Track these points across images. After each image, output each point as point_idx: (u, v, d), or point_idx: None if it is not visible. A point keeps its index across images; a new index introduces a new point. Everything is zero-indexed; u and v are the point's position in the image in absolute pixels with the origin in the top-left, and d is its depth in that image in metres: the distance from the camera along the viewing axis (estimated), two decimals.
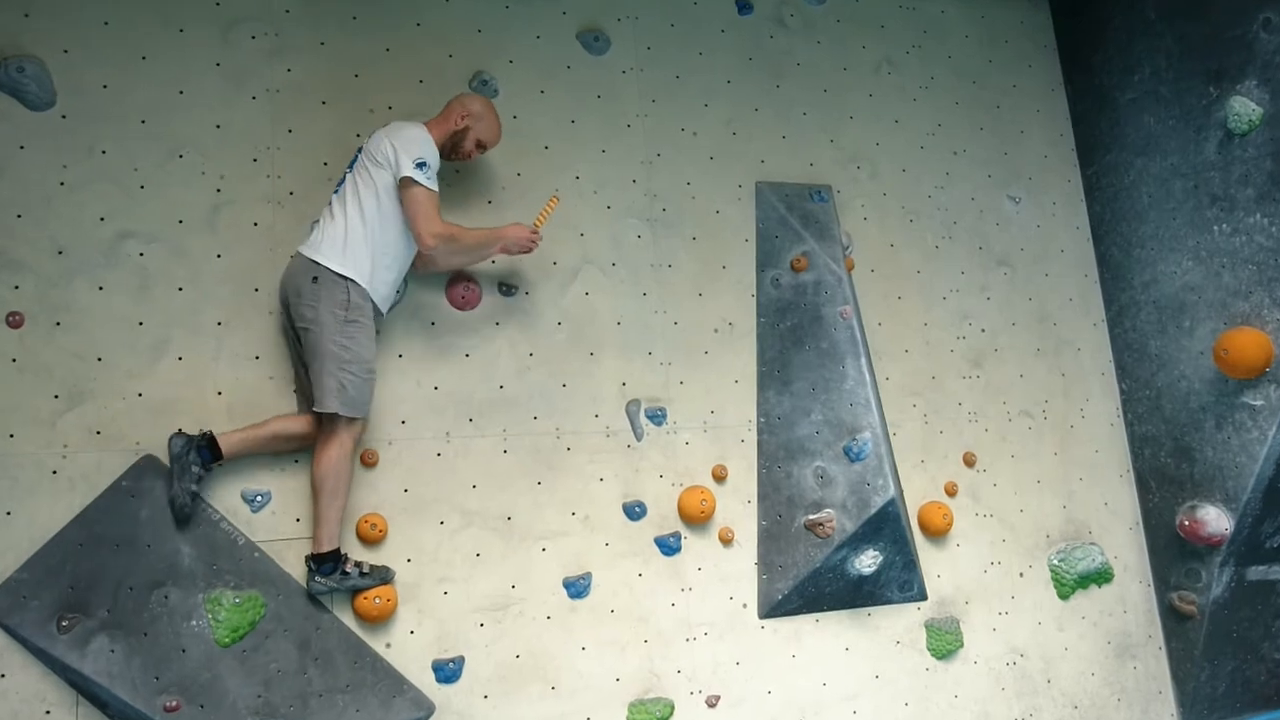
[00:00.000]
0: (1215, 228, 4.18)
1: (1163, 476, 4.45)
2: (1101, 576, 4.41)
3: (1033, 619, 4.28)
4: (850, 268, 4.16)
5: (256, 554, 3.21)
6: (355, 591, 3.27)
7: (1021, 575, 4.30)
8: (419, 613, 3.41)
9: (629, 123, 4.04)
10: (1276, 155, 3.94)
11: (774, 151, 4.26)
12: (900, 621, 4.04)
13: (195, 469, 3.10)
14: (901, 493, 4.00)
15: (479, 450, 3.59)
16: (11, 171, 3.21)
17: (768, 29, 4.38)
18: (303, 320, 3.17)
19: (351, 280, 3.16)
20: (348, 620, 3.30)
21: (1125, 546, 4.51)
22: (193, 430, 3.17)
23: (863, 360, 3.92)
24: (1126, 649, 4.41)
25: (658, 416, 3.83)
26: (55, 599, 2.95)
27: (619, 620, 3.65)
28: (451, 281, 3.65)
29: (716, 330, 4.01)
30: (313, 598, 3.23)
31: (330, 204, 3.31)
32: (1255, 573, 4.27)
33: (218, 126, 3.48)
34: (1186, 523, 4.24)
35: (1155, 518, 4.50)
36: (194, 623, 3.03)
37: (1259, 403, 4.01)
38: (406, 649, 3.37)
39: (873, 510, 3.74)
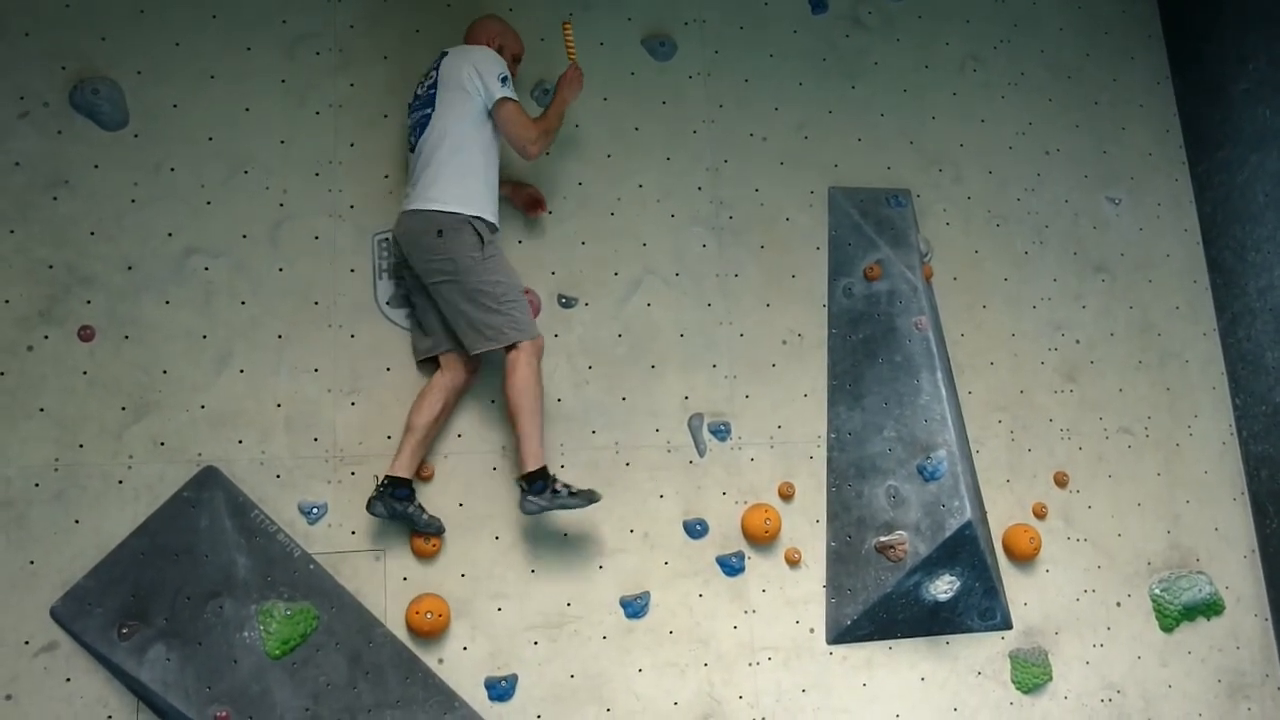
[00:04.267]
0: None
1: None
2: (1211, 608, 4.06)
3: (1131, 653, 3.96)
4: (929, 276, 3.95)
5: (311, 566, 3.23)
6: (564, 510, 3.27)
7: (1119, 605, 4.00)
8: (472, 629, 3.37)
9: (695, 129, 3.93)
10: None
11: (848, 155, 4.09)
12: (981, 651, 3.79)
13: (412, 507, 3.20)
14: (983, 514, 3.78)
15: None
16: (85, 189, 3.32)
17: (843, 28, 4.21)
18: (439, 275, 3.16)
19: (475, 216, 3.17)
20: (400, 635, 3.29)
21: (1238, 576, 4.15)
22: (255, 443, 3.21)
23: (939, 374, 3.71)
24: (1239, 689, 4.05)
25: (721, 431, 3.71)
26: (117, 606, 3.03)
27: (678, 642, 3.54)
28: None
29: (785, 342, 3.86)
30: (362, 612, 3.23)
31: (419, 153, 3.24)
32: None
33: (281, 142, 3.53)
34: None
35: (1274, 545, 4.12)
36: (246, 634, 3.06)
37: None
38: (459, 665, 3.33)
39: (948, 533, 3.53)
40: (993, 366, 4.06)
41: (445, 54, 3.36)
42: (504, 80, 3.19)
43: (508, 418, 3.33)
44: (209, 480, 3.20)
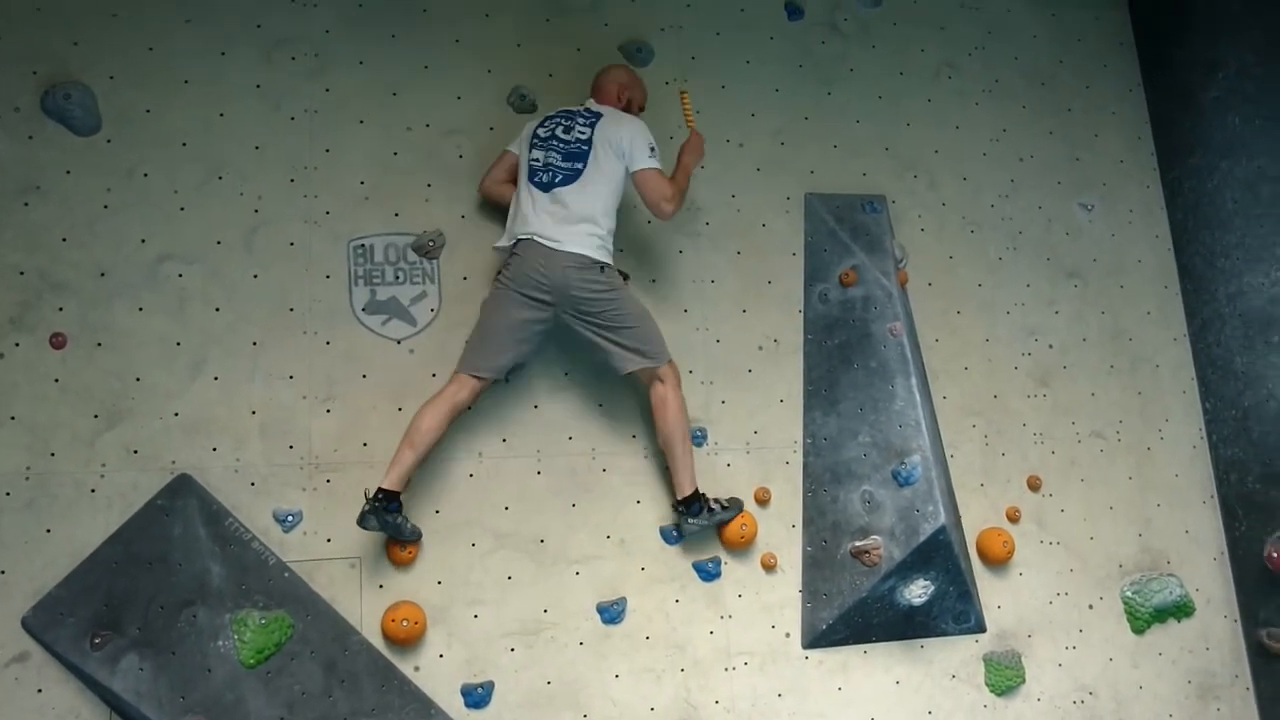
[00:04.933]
0: None
1: (1250, 504, 4.12)
2: (1181, 610, 4.11)
3: (1103, 655, 4.01)
4: (904, 282, 3.98)
5: (286, 574, 3.22)
6: (721, 525, 3.59)
7: (1091, 607, 4.04)
8: (449, 635, 3.37)
9: (671, 134, 3.92)
10: None
11: (824, 162, 4.11)
12: (956, 654, 3.83)
13: (400, 519, 3.23)
14: (957, 519, 3.80)
15: (512, 471, 3.53)
16: (57, 195, 3.29)
17: (819, 34, 4.23)
18: (604, 303, 3.35)
19: (611, 263, 3.43)
20: (376, 642, 3.28)
21: (1208, 578, 4.20)
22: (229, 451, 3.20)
23: (913, 379, 3.74)
24: (1209, 689, 4.10)
25: (698, 437, 3.72)
26: (90, 616, 3.00)
27: (654, 648, 3.55)
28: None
29: (761, 348, 3.88)
30: (338, 620, 3.22)
31: (560, 198, 3.33)
32: None
33: (256, 147, 3.51)
34: (1275, 554, 3.93)
35: (1243, 548, 4.17)
36: (220, 643, 3.05)
37: None
38: (435, 672, 3.33)
39: (922, 538, 3.55)
40: (967, 371, 4.09)
41: (599, 115, 3.46)
42: (652, 150, 3.41)
43: (661, 447, 3.54)
44: (182, 488, 3.19)
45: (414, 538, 3.33)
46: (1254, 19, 4.09)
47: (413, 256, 3.59)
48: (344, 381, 3.44)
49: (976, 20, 4.46)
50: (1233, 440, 4.21)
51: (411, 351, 3.52)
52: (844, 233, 3.96)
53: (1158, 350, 4.38)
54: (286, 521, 3.29)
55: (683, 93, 3.65)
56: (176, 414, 3.27)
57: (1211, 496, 4.28)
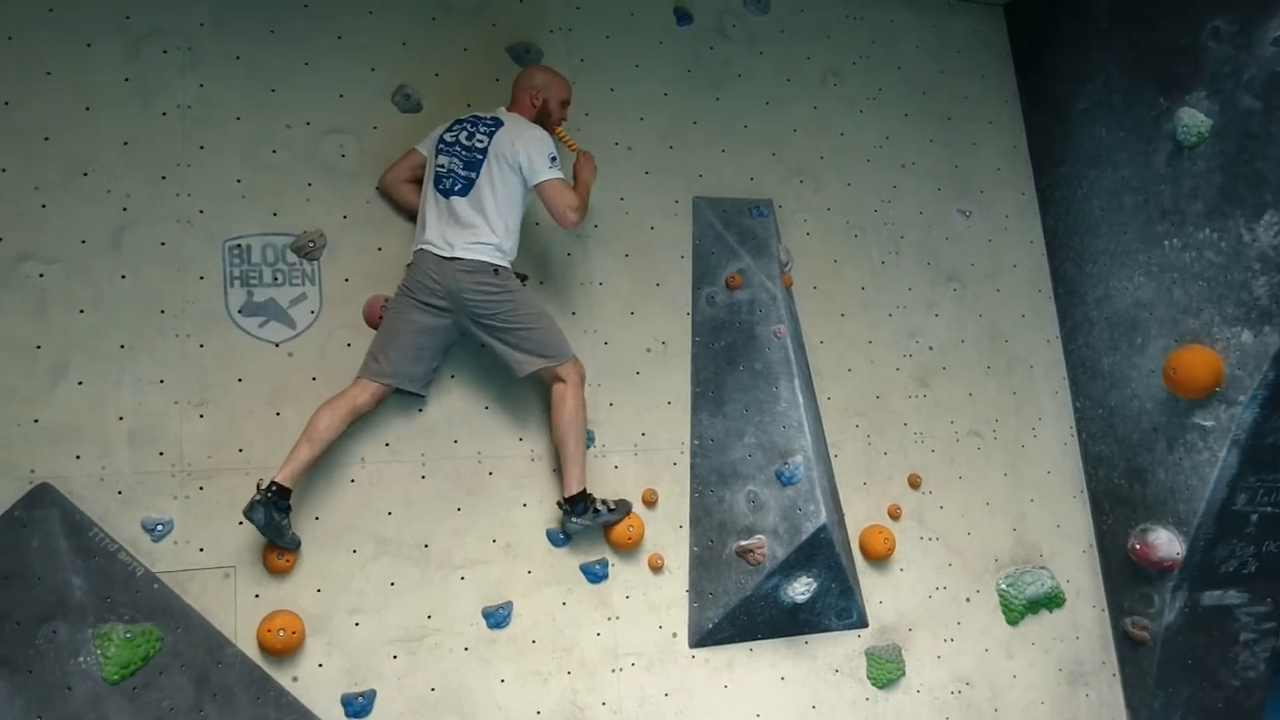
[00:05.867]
0: (1166, 242, 4.06)
1: (1116, 498, 4.32)
2: (1052, 601, 4.29)
3: (980, 646, 4.15)
4: (789, 285, 4.05)
5: (155, 585, 3.11)
6: (607, 526, 3.60)
7: (969, 600, 4.18)
8: (329, 645, 3.30)
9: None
10: (1225, 169, 3.81)
11: (713, 166, 4.15)
12: (839, 650, 3.91)
13: (285, 521, 3.17)
14: (841, 517, 3.89)
15: (395, 476, 3.48)
16: None
17: (708, 39, 4.27)
18: (497, 306, 3.35)
19: (508, 266, 3.43)
20: (252, 654, 3.19)
21: (1078, 570, 4.38)
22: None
23: (796, 381, 3.80)
24: (1079, 676, 4.28)
25: (586, 440, 3.71)
26: None
27: (541, 651, 3.54)
28: (371, 299, 3.56)
29: (649, 350, 3.90)
30: (211, 632, 3.13)
31: (454, 206, 3.35)
32: (1210, 598, 4.13)
33: (125, 143, 3.38)
34: (1138, 546, 4.12)
35: (1109, 540, 4.37)
36: (82, 659, 2.93)
37: (1209, 423, 3.89)
38: (314, 683, 3.26)
39: (804, 536, 3.62)
40: (851, 373, 4.19)
41: (500, 123, 3.44)
42: (553, 161, 3.39)
43: (554, 444, 3.56)
44: (43, 498, 3.05)
45: (293, 546, 3.26)
46: (1120, 34, 4.27)
47: (292, 257, 3.51)
48: (219, 386, 3.34)
49: (861, 30, 4.57)
50: (1100, 437, 4.40)
51: (291, 355, 3.44)
52: (731, 236, 4.01)
53: (1032, 351, 4.55)
54: (156, 531, 3.18)
55: (557, 130, 3.60)
56: (36, 420, 3.13)
57: (1081, 491, 4.47)
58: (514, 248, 3.46)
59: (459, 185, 3.39)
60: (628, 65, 4.12)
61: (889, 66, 4.59)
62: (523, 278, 3.58)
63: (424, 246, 3.37)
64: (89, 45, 3.40)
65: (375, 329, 3.51)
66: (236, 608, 3.22)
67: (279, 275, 3.48)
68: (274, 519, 3.12)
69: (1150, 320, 4.13)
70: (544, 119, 3.55)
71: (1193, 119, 3.91)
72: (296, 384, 3.40)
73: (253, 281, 3.45)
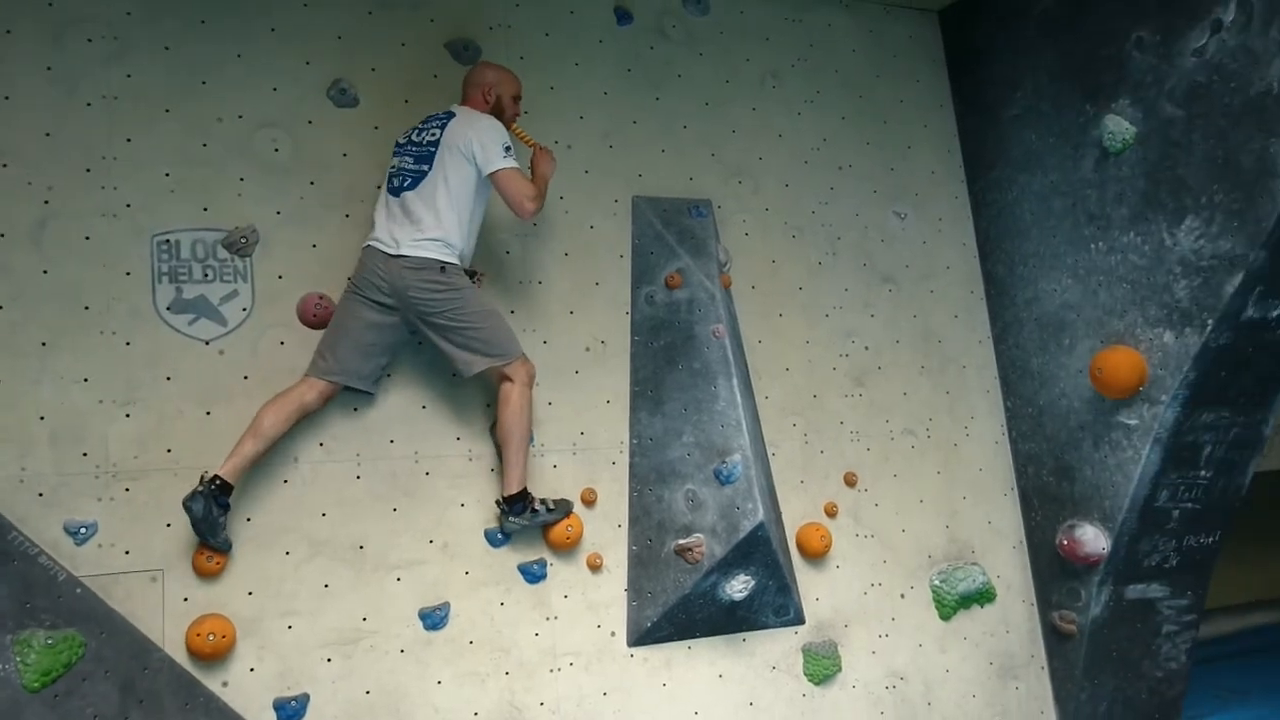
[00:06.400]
0: (1092, 246, 4.17)
1: (1045, 495, 4.43)
2: (983, 596, 4.38)
3: (913, 641, 4.22)
4: (727, 284, 4.07)
5: (78, 590, 3.02)
6: (546, 526, 3.56)
7: (903, 597, 4.25)
8: (260, 648, 3.24)
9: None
10: (1149, 175, 3.93)
11: (652, 165, 4.16)
12: (776, 647, 3.95)
13: (223, 518, 3.12)
14: (778, 515, 3.93)
15: (330, 476, 3.43)
16: None
17: (648, 40, 4.28)
18: (442, 304, 3.30)
19: (456, 263, 3.37)
20: (180, 658, 3.12)
21: (1008, 566, 4.48)
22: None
23: (735, 380, 3.83)
24: (1009, 670, 4.38)
25: (529, 440, 3.69)
26: None
27: (478, 652, 3.51)
28: (305, 296, 3.50)
29: (588, 349, 3.90)
30: (137, 637, 3.05)
31: (406, 203, 3.32)
32: (1134, 591, 4.26)
33: (47, 134, 3.28)
34: (1065, 542, 4.23)
35: (1038, 536, 4.48)
36: (1, 666, 2.82)
37: (1133, 422, 4.00)
38: (245, 687, 3.19)
39: (742, 535, 3.65)
40: (788, 372, 4.23)
41: (452, 114, 3.43)
42: (506, 150, 3.35)
43: (498, 442, 3.54)
44: None
45: (224, 548, 3.19)
46: (1048, 42, 4.38)
47: (223, 253, 3.44)
48: (146, 384, 3.26)
49: (800, 32, 4.61)
50: (1030, 436, 4.50)
51: (221, 353, 3.37)
52: (670, 236, 4.03)
53: (965, 351, 4.64)
54: (79, 534, 3.09)
55: (514, 128, 3.58)
56: None
57: (1011, 489, 4.57)
58: (468, 245, 3.42)
59: (409, 181, 3.35)
60: (568, 64, 4.11)
61: (827, 69, 4.64)
62: (473, 275, 3.54)
63: (371, 243, 3.34)
64: (8, 32, 3.29)
65: (310, 327, 3.46)
66: (164, 612, 3.14)
67: (209, 272, 3.41)
68: (212, 513, 3.06)
69: (1077, 321, 4.24)
70: (498, 115, 3.51)
71: (1118, 126, 4.02)
72: (228, 383, 3.34)
73: (182, 278, 3.37)
